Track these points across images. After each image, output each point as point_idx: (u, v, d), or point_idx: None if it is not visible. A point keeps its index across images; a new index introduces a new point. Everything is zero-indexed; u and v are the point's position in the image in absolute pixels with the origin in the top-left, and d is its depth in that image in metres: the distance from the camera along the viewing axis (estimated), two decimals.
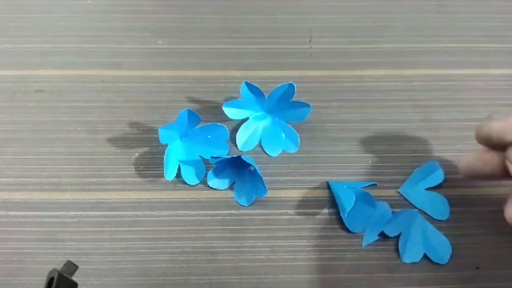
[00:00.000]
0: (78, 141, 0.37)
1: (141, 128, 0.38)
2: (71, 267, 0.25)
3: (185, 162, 0.35)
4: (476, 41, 0.43)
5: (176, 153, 0.35)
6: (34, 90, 0.40)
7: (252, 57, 0.42)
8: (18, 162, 0.36)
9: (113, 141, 0.37)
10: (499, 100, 0.40)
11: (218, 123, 0.35)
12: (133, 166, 0.36)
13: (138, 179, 0.35)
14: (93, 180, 0.35)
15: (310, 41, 0.43)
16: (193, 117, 0.34)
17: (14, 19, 0.44)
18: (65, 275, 0.24)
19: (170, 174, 0.34)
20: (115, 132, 0.37)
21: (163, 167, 0.33)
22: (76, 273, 0.31)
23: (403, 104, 0.39)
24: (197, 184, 0.35)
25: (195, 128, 0.35)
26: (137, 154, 0.36)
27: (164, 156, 0.33)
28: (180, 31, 0.44)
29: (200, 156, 0.36)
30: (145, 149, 0.37)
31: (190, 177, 0.35)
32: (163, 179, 0.35)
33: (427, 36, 0.43)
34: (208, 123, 0.36)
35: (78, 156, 0.36)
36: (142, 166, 0.36)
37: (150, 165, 0.36)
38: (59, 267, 0.26)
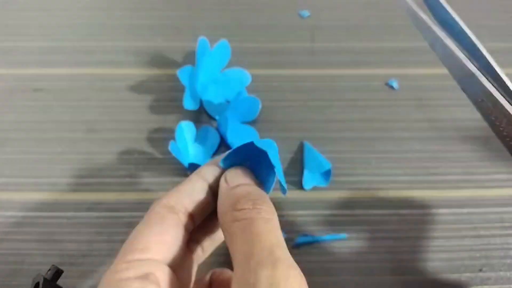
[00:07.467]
0: (76, 141, 0.37)
1: (140, 127, 0.37)
2: (57, 271, 0.25)
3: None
4: (480, 40, 0.42)
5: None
6: (33, 89, 0.39)
7: (254, 55, 0.42)
8: (16, 162, 0.36)
9: (112, 141, 0.37)
10: None
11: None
12: (132, 166, 0.35)
13: (137, 180, 0.35)
14: (91, 180, 0.35)
15: (312, 39, 0.43)
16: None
17: (13, 17, 0.44)
18: (49, 279, 0.24)
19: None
20: (114, 131, 0.37)
21: (163, 167, 0.33)
22: (74, 274, 0.30)
23: (407, 103, 0.39)
24: None
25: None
26: (136, 154, 0.36)
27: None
28: (180, 29, 0.43)
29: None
30: (145, 149, 0.36)
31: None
32: (162, 179, 0.34)
33: None
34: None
35: (77, 156, 0.36)
36: (141, 166, 0.35)
37: (150, 165, 0.35)
38: (44, 271, 0.25)
